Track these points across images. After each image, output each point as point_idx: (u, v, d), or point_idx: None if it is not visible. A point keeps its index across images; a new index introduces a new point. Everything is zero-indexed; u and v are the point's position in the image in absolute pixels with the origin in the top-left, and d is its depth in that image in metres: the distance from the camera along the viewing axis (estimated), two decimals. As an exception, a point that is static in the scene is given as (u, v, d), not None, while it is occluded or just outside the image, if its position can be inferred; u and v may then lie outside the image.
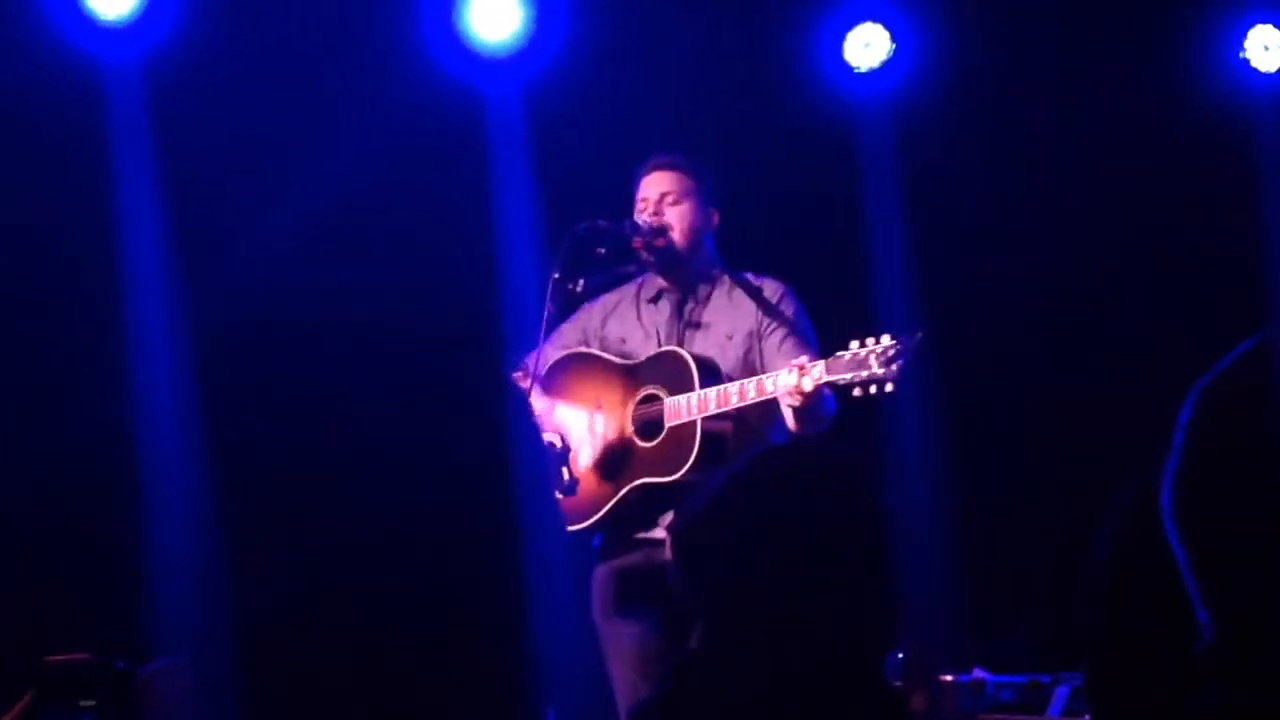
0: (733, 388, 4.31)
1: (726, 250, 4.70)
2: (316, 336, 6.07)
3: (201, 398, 5.80)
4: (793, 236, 5.91)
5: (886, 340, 4.10)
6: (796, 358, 4.29)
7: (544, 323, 4.53)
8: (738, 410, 4.31)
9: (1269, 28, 6.13)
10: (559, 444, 4.49)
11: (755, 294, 4.55)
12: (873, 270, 6.09)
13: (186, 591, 5.68)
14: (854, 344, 4.14)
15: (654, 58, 6.07)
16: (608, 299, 4.67)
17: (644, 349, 4.56)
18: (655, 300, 4.63)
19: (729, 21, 6.12)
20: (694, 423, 4.34)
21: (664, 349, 4.51)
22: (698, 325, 4.56)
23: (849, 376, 4.11)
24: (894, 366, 4.06)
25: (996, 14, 6.13)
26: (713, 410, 4.32)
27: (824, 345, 4.38)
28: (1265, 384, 1.71)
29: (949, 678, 5.24)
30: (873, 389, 4.10)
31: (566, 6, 5.88)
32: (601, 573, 4.54)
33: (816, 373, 4.14)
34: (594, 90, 6.00)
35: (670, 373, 4.43)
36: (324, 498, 6.09)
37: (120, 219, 5.81)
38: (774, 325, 4.49)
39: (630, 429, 4.48)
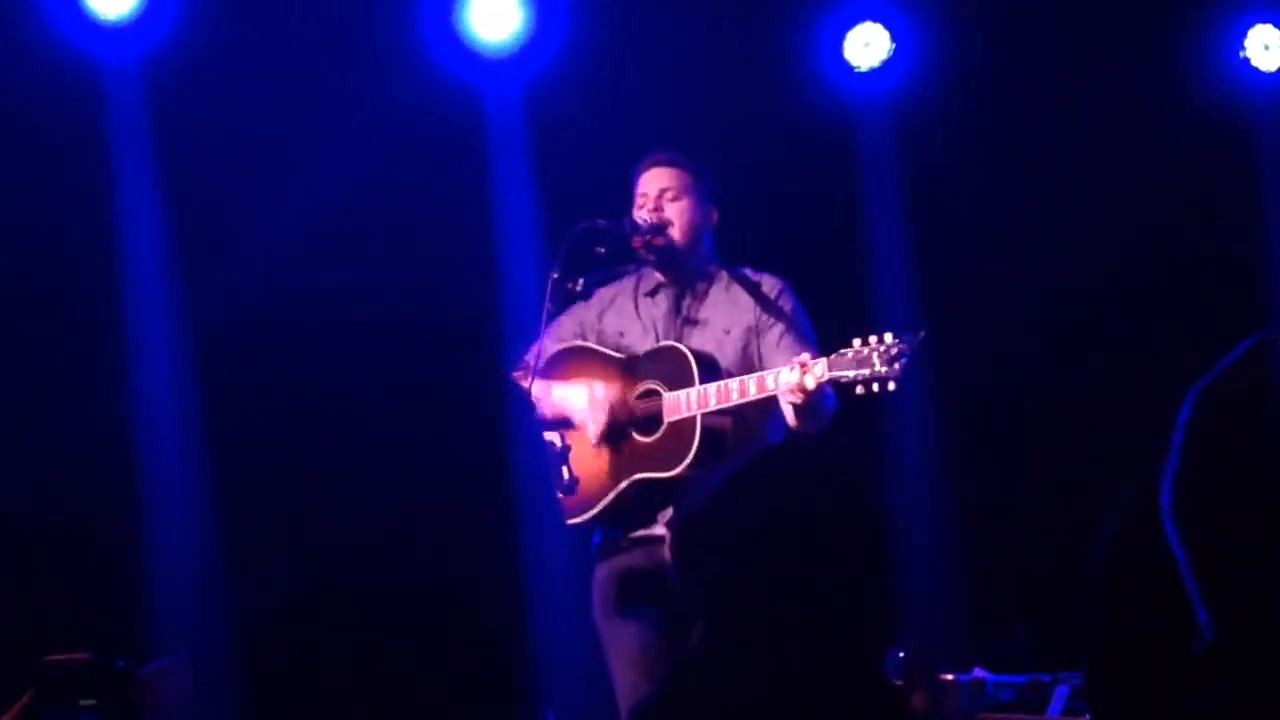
0: (733, 384, 4.31)
1: (727, 250, 4.70)
2: (316, 336, 6.07)
3: (201, 398, 5.80)
4: (793, 236, 5.91)
5: (890, 338, 4.10)
6: (795, 354, 4.29)
7: (544, 322, 4.54)
8: (737, 406, 4.30)
9: (1269, 27, 6.12)
10: (559, 443, 4.49)
11: (753, 289, 4.56)
12: (873, 270, 6.09)
13: (186, 591, 5.68)
14: (857, 341, 4.14)
15: (654, 58, 6.06)
16: (605, 293, 4.67)
17: (641, 343, 4.56)
18: (653, 294, 4.63)
19: (729, 21, 6.11)
20: (693, 418, 4.34)
21: (663, 344, 4.50)
22: (695, 322, 4.56)
23: (852, 374, 4.11)
24: (897, 365, 4.07)
25: (996, 14, 6.12)
26: (713, 406, 4.32)
27: (824, 344, 4.38)
28: (1264, 384, 1.71)
29: (949, 677, 5.24)
30: (875, 387, 4.10)
31: (566, 6, 5.88)
32: (602, 573, 4.54)
33: (819, 370, 4.14)
34: (594, 90, 6.00)
35: (669, 368, 4.43)
36: (324, 498, 6.09)
37: (120, 219, 5.80)
38: (772, 321, 4.50)
39: (629, 423, 4.48)
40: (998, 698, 5.25)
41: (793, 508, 2.13)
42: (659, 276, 4.64)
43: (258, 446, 5.93)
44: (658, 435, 4.42)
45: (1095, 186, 6.27)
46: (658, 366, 4.47)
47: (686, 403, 4.37)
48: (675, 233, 4.58)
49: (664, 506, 4.41)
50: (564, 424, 4.57)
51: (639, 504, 4.45)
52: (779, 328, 4.49)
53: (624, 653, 4.45)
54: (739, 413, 4.34)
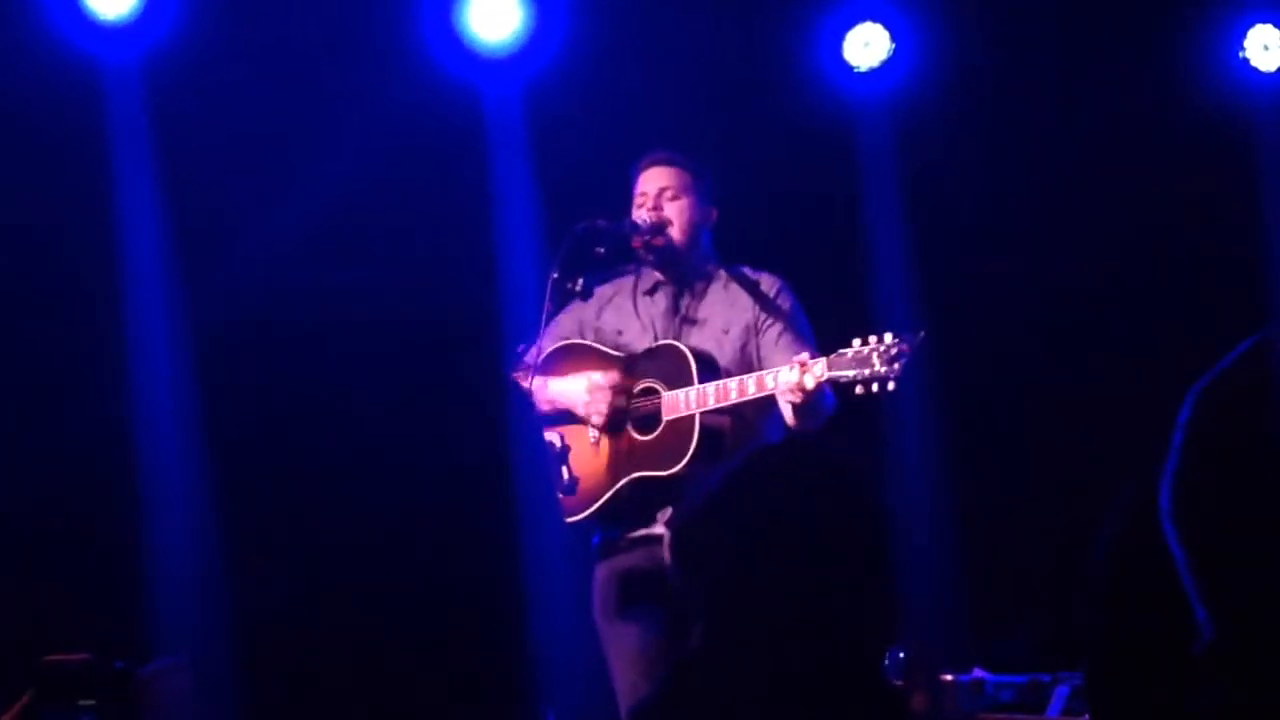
0: (732, 383, 4.31)
1: (726, 249, 4.70)
2: (316, 336, 6.07)
3: (201, 398, 5.80)
4: (792, 236, 5.91)
5: (890, 338, 4.10)
6: (793, 352, 4.29)
7: (543, 322, 4.54)
8: (736, 405, 4.30)
9: (1269, 27, 6.12)
10: (558, 443, 4.49)
11: (752, 288, 4.56)
12: (872, 270, 6.09)
13: (186, 591, 5.68)
14: (856, 341, 4.14)
15: (654, 57, 6.06)
16: (604, 291, 4.67)
17: (640, 341, 4.56)
18: (651, 293, 4.63)
19: (728, 21, 6.11)
20: (692, 417, 4.34)
21: (662, 342, 4.50)
22: (694, 320, 4.56)
23: (851, 374, 4.11)
24: (896, 365, 4.07)
25: (996, 14, 6.12)
26: (712, 405, 4.32)
27: (824, 344, 4.38)
28: (1264, 384, 1.71)
29: (949, 677, 5.24)
30: (874, 387, 4.10)
31: (566, 6, 5.88)
32: (602, 573, 4.54)
33: (818, 370, 4.14)
34: (594, 90, 6.00)
35: (668, 366, 4.43)
36: (324, 498, 6.09)
37: (120, 219, 5.81)
38: (771, 320, 4.50)
39: (627, 422, 4.48)
40: (997, 698, 5.25)
41: (792, 507, 2.13)
42: (657, 275, 4.64)
43: (258, 446, 5.92)
44: (656, 433, 4.42)
45: (1095, 186, 6.27)
46: (656, 365, 4.47)
47: (685, 401, 4.37)
48: (674, 232, 4.58)
49: (662, 505, 4.41)
50: (564, 419, 4.57)
51: (637, 502, 4.45)
52: (777, 326, 4.49)
53: (624, 653, 4.45)
54: (737, 411, 4.34)
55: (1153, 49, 6.10)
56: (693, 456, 4.33)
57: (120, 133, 5.76)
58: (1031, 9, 6.15)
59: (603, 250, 4.55)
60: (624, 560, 4.50)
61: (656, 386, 4.44)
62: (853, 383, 4.12)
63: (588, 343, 4.63)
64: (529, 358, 4.58)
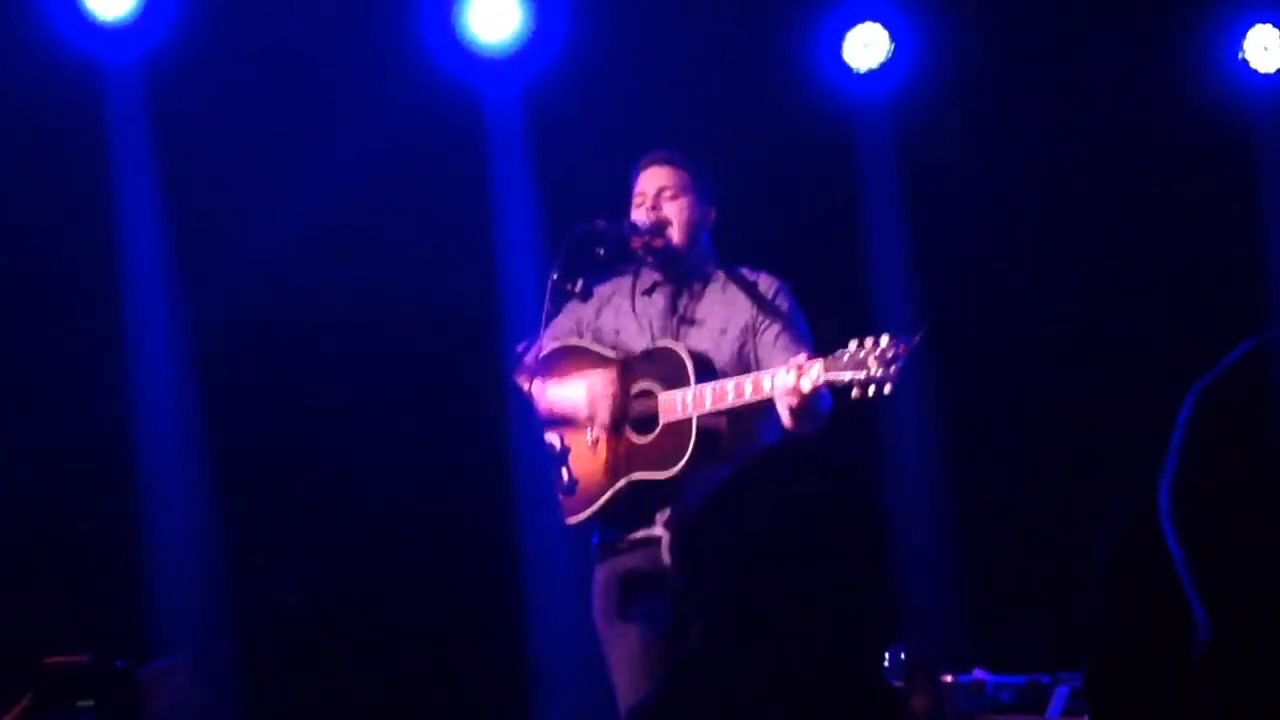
0: (729, 385, 4.30)
1: (726, 250, 4.70)
2: (316, 336, 6.07)
3: (201, 398, 5.80)
4: (792, 236, 5.92)
5: (885, 340, 4.10)
6: (791, 353, 4.28)
7: (543, 323, 4.54)
8: (733, 407, 4.30)
9: (1268, 28, 6.13)
10: (558, 445, 4.49)
11: (750, 289, 4.55)
12: (872, 271, 6.09)
13: (187, 591, 5.68)
14: (853, 344, 4.13)
15: (653, 58, 6.07)
16: (603, 290, 4.67)
17: (637, 342, 4.56)
18: (650, 293, 4.63)
19: (728, 22, 6.12)
20: (689, 419, 4.34)
21: (659, 344, 4.50)
22: (692, 321, 4.56)
23: (847, 377, 4.10)
24: (893, 368, 4.06)
25: (996, 14, 6.13)
26: (709, 408, 4.31)
27: (823, 345, 4.38)
28: (1264, 386, 1.71)
29: (949, 678, 5.24)
30: (871, 390, 4.09)
31: (566, 7, 5.88)
32: (602, 575, 4.54)
33: (815, 373, 4.14)
34: (593, 90, 6.00)
35: (665, 368, 4.42)
36: (324, 498, 6.09)
37: (120, 219, 5.81)
38: (769, 321, 4.49)
39: (625, 423, 4.48)
40: (997, 699, 5.25)
41: (792, 508, 2.13)
42: (656, 275, 4.64)
43: (258, 446, 5.93)
44: (654, 435, 4.42)
45: (1095, 187, 6.27)
46: (654, 366, 4.47)
47: (682, 404, 4.36)
48: (673, 232, 4.58)
49: (661, 507, 4.41)
50: (563, 422, 4.56)
51: (636, 504, 4.45)
52: (775, 327, 4.48)
53: (624, 654, 4.45)
54: (735, 413, 4.34)
55: (1152, 50, 6.10)
56: (690, 458, 4.32)
57: (120, 133, 5.76)
58: (1031, 10, 6.16)
59: (602, 251, 4.55)
60: (623, 561, 4.50)
61: (653, 388, 4.44)
62: (849, 385, 4.12)
63: (585, 344, 4.62)
64: (529, 358, 4.58)
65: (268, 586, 5.96)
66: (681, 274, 4.61)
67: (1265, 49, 6.12)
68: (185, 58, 5.75)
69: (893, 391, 4.09)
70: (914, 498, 5.94)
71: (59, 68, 5.67)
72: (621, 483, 4.45)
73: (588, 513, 4.51)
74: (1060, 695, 5.13)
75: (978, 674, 5.28)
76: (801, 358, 4.20)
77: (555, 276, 4.47)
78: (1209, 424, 1.74)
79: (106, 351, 5.77)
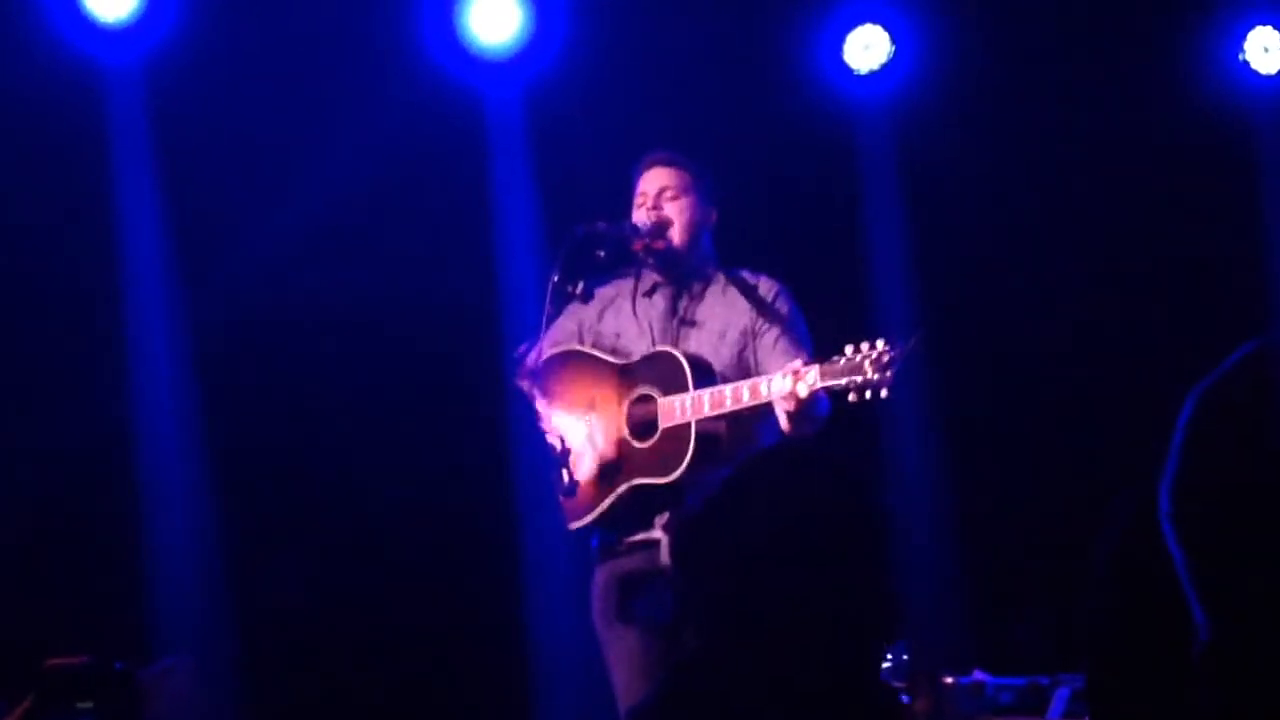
0: (727, 390, 4.31)
1: (727, 251, 4.69)
2: (316, 336, 6.07)
3: (201, 398, 5.80)
4: (793, 238, 5.92)
5: (881, 345, 4.10)
6: (791, 357, 4.29)
7: (544, 325, 4.54)
8: (732, 411, 4.31)
9: (1269, 29, 6.13)
10: (559, 446, 4.49)
11: (750, 292, 4.55)
12: (872, 272, 6.09)
13: (187, 591, 5.68)
14: (849, 348, 4.13)
15: (654, 60, 6.07)
16: (605, 292, 4.66)
17: (637, 345, 4.56)
18: (650, 294, 4.63)
19: (728, 23, 6.12)
20: (688, 424, 4.34)
21: (657, 349, 4.50)
22: (692, 323, 4.56)
23: (844, 381, 4.11)
24: (888, 372, 4.06)
25: (996, 16, 6.13)
26: (707, 413, 4.32)
27: (824, 347, 4.38)
28: (1265, 387, 1.71)
29: (949, 680, 5.24)
30: (867, 394, 4.10)
31: (566, 8, 5.88)
32: (601, 577, 4.54)
33: (811, 378, 4.14)
34: (594, 92, 6.00)
35: (664, 373, 4.42)
36: (324, 498, 6.09)
37: (120, 219, 5.81)
38: (768, 324, 4.49)
39: (624, 429, 4.48)
40: (997, 700, 5.25)
41: (791, 509, 2.13)
42: (656, 276, 4.64)
43: (258, 446, 5.93)
44: (653, 441, 4.42)
45: (1095, 189, 6.28)
46: (652, 372, 4.47)
47: (681, 409, 4.37)
48: (674, 232, 4.58)
49: (661, 511, 4.41)
50: (563, 428, 4.56)
51: (636, 509, 4.45)
52: (775, 331, 4.48)
53: (623, 656, 4.45)
54: (734, 417, 4.34)
55: (1153, 51, 6.11)
56: (690, 463, 4.33)
57: (121, 134, 5.77)
58: (1031, 11, 6.16)
59: (603, 253, 4.54)
60: (623, 563, 4.50)
61: (652, 393, 4.44)
62: (845, 390, 4.12)
63: (585, 349, 4.62)
64: (529, 360, 4.58)
65: (268, 586, 5.96)
66: (682, 275, 4.61)
67: (1266, 50, 6.13)
68: (186, 59, 5.75)
69: (889, 395, 4.09)
70: (914, 498, 5.94)
71: (60, 69, 5.68)
72: (622, 488, 4.46)
73: (589, 518, 4.51)
74: (1060, 697, 5.13)
75: (978, 675, 5.28)
76: (798, 363, 4.20)
77: (556, 278, 4.47)
78: (1210, 425, 1.74)
79: (106, 351, 5.77)
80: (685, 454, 4.33)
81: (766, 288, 4.57)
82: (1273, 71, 6.13)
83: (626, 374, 4.52)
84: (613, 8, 6.02)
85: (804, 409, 4.18)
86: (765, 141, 6.15)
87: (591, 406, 4.54)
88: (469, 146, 5.87)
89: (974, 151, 6.14)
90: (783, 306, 4.54)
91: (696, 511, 2.19)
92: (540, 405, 4.57)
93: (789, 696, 2.08)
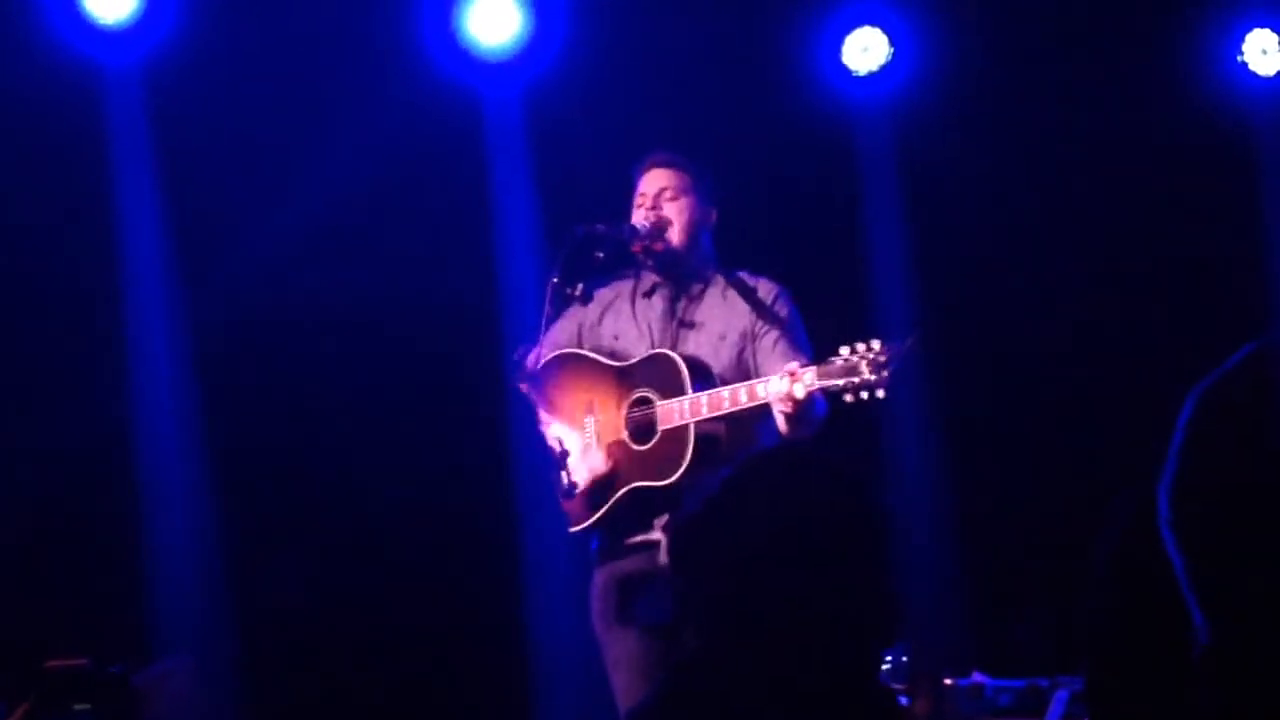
0: (725, 392, 4.31)
1: (726, 252, 4.69)
2: (316, 336, 6.07)
3: (201, 398, 5.81)
4: (792, 239, 5.92)
5: (877, 346, 4.10)
6: (790, 360, 4.28)
7: (543, 326, 4.54)
8: (730, 413, 4.31)
9: (1267, 32, 6.14)
10: (558, 449, 4.49)
11: (750, 294, 4.55)
12: (872, 273, 6.10)
13: (187, 592, 5.68)
14: (844, 349, 4.13)
15: (653, 61, 6.07)
16: (605, 294, 4.66)
17: (636, 347, 4.55)
18: (649, 295, 4.63)
19: (728, 25, 6.12)
20: (686, 426, 4.34)
21: (655, 351, 4.50)
22: (691, 324, 4.55)
23: (840, 383, 4.11)
24: (885, 373, 4.06)
25: (995, 18, 6.13)
26: (705, 415, 4.32)
27: (824, 347, 4.38)
28: (1265, 389, 1.71)
29: (948, 682, 5.24)
30: (864, 395, 4.10)
31: (565, 10, 5.88)
32: (600, 579, 4.54)
33: (808, 379, 4.14)
34: (593, 93, 6.00)
35: (662, 376, 4.42)
36: (324, 498, 6.09)
37: (120, 220, 5.81)
38: (768, 327, 4.49)
39: (623, 432, 4.48)
40: (996, 702, 5.25)
41: (789, 510, 2.13)
42: (655, 277, 4.64)
43: (258, 446, 5.93)
44: (652, 444, 4.42)
45: (1094, 191, 6.28)
46: (651, 374, 4.47)
47: (679, 411, 4.37)
48: (673, 233, 4.57)
49: (660, 513, 4.41)
50: (563, 431, 4.56)
51: (636, 511, 4.45)
52: (774, 333, 4.48)
53: (622, 657, 4.44)
54: (733, 418, 4.34)
55: (1151, 53, 6.11)
56: (689, 466, 4.33)
57: (120, 134, 5.77)
58: (1030, 13, 6.16)
59: (602, 255, 4.54)
60: (622, 565, 4.49)
61: (651, 396, 4.44)
62: (842, 391, 4.12)
63: (584, 352, 4.62)
64: (529, 362, 4.58)
65: (268, 586, 5.96)
66: (681, 276, 4.61)
67: (1264, 52, 6.13)
68: (185, 60, 5.75)
69: (886, 396, 4.09)
70: (914, 498, 5.94)
71: (60, 70, 5.68)
72: (621, 491, 4.46)
73: (589, 521, 4.51)
74: (1059, 699, 5.13)
75: (977, 677, 5.28)
76: (794, 365, 4.21)
77: (555, 279, 4.47)
78: (1210, 426, 1.74)
79: (106, 351, 5.77)
80: (684, 456, 4.33)
81: (766, 290, 4.57)
82: (1271, 73, 6.13)
83: (625, 376, 4.52)
84: (612, 8, 6.02)
85: (801, 411, 4.18)
86: (765, 142, 6.15)
87: (590, 409, 4.54)
88: (469, 147, 5.87)
89: (973, 152, 6.14)
90: (782, 309, 4.54)
91: (694, 513, 2.19)
92: (540, 408, 4.58)
93: (788, 697, 2.08)
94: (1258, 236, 5.92)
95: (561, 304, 4.55)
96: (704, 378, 4.39)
